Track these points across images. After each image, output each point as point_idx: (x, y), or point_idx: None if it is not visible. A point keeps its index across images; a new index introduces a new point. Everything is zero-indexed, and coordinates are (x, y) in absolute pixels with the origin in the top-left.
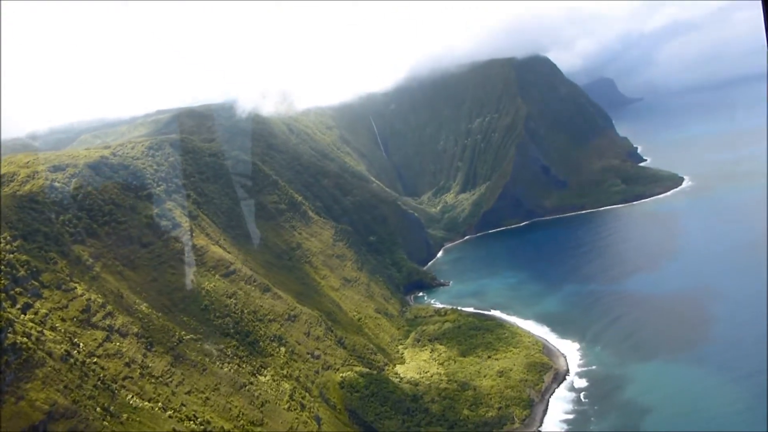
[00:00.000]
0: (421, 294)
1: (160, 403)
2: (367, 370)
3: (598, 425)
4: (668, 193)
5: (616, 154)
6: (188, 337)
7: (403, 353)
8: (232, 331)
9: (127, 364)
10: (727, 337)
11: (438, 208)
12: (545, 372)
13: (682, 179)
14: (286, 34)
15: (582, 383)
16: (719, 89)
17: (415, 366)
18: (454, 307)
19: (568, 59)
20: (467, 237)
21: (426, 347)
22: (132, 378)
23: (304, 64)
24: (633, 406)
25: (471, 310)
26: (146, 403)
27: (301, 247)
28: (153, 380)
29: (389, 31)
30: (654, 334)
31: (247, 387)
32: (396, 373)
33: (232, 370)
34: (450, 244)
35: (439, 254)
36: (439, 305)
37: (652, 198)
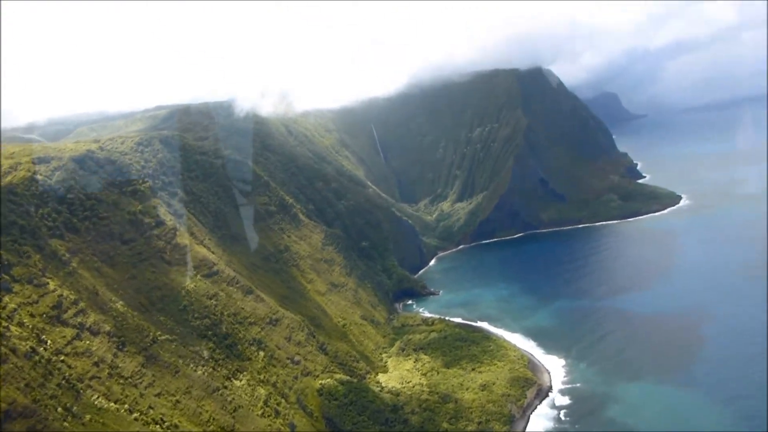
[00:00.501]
0: (410, 302)
1: (126, 405)
2: (348, 377)
3: None
4: (665, 211)
5: (615, 170)
6: (163, 337)
7: (386, 362)
8: (209, 333)
9: (96, 364)
10: (716, 360)
11: (434, 216)
12: (528, 387)
13: (680, 197)
14: (288, 34)
15: (564, 401)
16: (723, 109)
17: (398, 375)
18: (442, 317)
19: (573, 72)
20: (461, 246)
21: (410, 357)
22: (99, 378)
23: (305, 66)
24: (615, 425)
25: (459, 320)
26: (112, 404)
27: (289, 250)
28: (122, 381)
29: (393, 36)
30: (642, 354)
31: (220, 391)
32: (378, 382)
33: (206, 374)
34: (443, 253)
35: (432, 262)
36: (427, 314)
37: (649, 215)
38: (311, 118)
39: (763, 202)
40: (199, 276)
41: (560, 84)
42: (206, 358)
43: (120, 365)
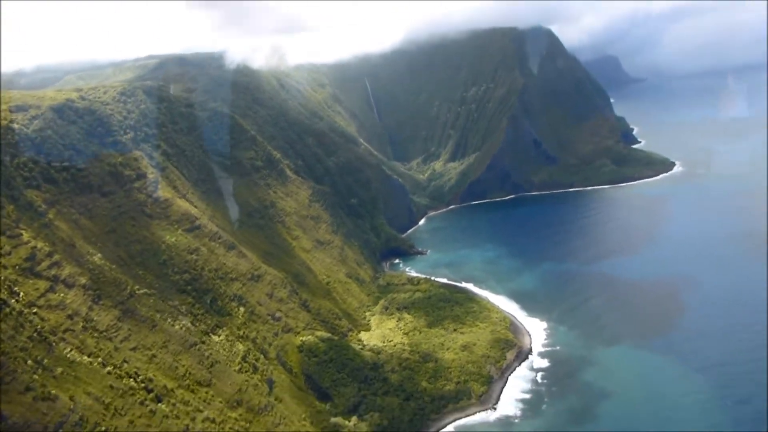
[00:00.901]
0: (397, 261)
1: (100, 358)
2: (329, 335)
3: (553, 406)
4: (658, 177)
5: (610, 134)
6: (141, 291)
7: (369, 320)
8: (189, 288)
9: (70, 317)
10: (695, 328)
11: (426, 175)
12: (509, 349)
13: (673, 164)
14: None
15: (543, 363)
16: (723, 76)
17: (380, 334)
18: (428, 277)
19: (573, 34)
20: (452, 206)
21: (393, 315)
22: (73, 331)
23: (300, 18)
24: (591, 389)
25: (445, 281)
26: (85, 357)
27: (275, 206)
28: (96, 334)
29: None
30: (623, 319)
31: (197, 346)
32: (359, 340)
33: (183, 328)
34: (433, 213)
35: (422, 222)
36: (413, 274)
37: (641, 181)
38: (304, 72)
39: (756, 172)
40: (180, 230)
41: (559, 45)
42: (185, 312)
43: (95, 318)
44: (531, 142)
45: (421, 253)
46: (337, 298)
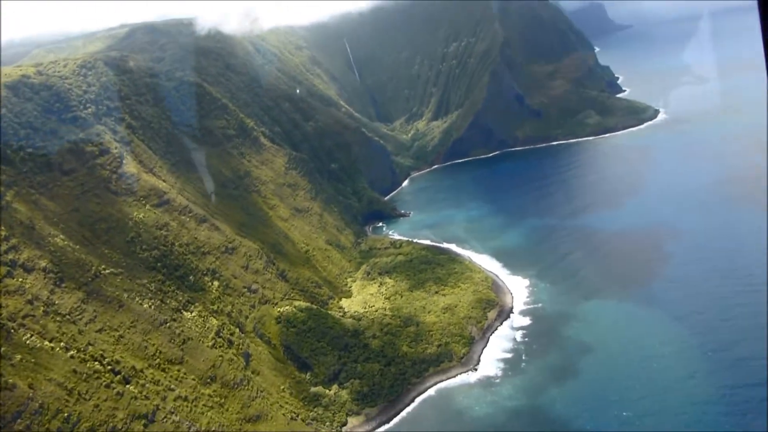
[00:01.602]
0: (380, 224)
1: (63, 343)
2: (308, 304)
3: (533, 364)
4: (642, 126)
5: (593, 84)
6: (108, 271)
7: (351, 286)
8: (159, 264)
9: (30, 302)
10: (676, 277)
11: (409, 135)
12: (490, 309)
13: (657, 112)
14: None
15: (525, 321)
16: (711, 19)
17: (361, 300)
18: (410, 240)
19: None
20: (435, 166)
21: (375, 281)
22: (34, 316)
23: None
24: (572, 344)
25: (428, 242)
26: (47, 342)
27: (250, 176)
28: (58, 318)
29: None
30: (605, 272)
31: (168, 324)
32: (340, 307)
33: (153, 307)
34: (417, 173)
35: (405, 183)
36: (396, 237)
37: (626, 130)
38: (281, 36)
39: (741, 116)
40: (148, 206)
41: None
42: (154, 290)
43: (57, 302)
44: (513, 96)
45: (404, 215)
46: (316, 266)
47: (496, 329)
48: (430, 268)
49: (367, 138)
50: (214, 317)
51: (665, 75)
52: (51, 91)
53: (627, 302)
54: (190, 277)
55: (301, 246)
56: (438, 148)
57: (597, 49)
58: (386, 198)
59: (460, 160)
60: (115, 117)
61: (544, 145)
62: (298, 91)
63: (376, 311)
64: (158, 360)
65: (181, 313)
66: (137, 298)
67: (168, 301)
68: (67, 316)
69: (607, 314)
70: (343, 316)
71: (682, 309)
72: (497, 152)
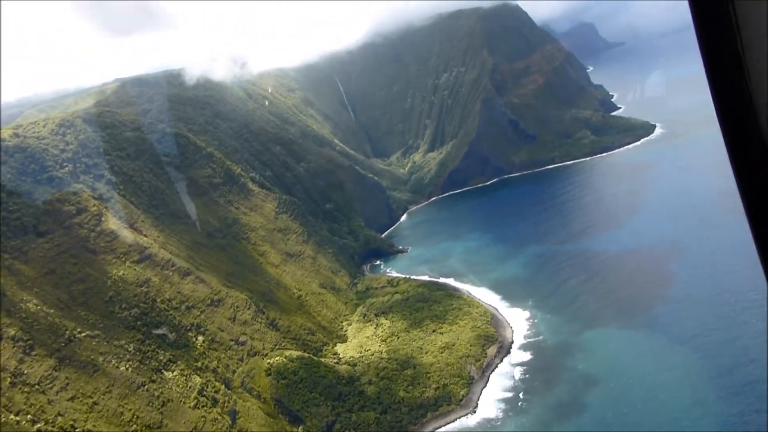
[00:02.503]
0: (378, 262)
1: (29, 415)
2: (300, 353)
3: (535, 403)
4: (638, 143)
5: (587, 104)
6: (83, 334)
7: (346, 330)
8: (138, 323)
9: None
10: (681, 297)
11: (406, 168)
12: (489, 345)
13: (654, 127)
14: None
15: (525, 356)
16: None
17: (357, 344)
18: (408, 277)
19: (547, 5)
20: (433, 198)
21: (371, 322)
22: None
23: (261, 24)
24: (575, 378)
25: (426, 278)
26: (12, 416)
27: (238, 223)
28: (26, 389)
29: None
30: (606, 297)
31: (146, 386)
32: (335, 353)
33: (130, 369)
34: (414, 207)
35: (403, 218)
36: (394, 274)
37: (623, 148)
38: (272, 79)
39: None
40: (128, 262)
41: (527, 19)
42: (132, 351)
43: (26, 372)
44: (507, 122)
45: (402, 251)
46: (310, 312)
47: (496, 366)
48: (427, 305)
49: (361, 175)
50: (198, 375)
51: (659, 89)
52: (25, 153)
53: (629, 328)
54: (172, 334)
55: (294, 292)
56: (435, 180)
57: (590, 68)
58: (384, 234)
59: (457, 191)
60: (94, 174)
61: (541, 169)
62: (291, 132)
63: (372, 355)
64: (135, 426)
65: (162, 373)
66: (114, 361)
67: (147, 362)
68: (36, 386)
69: (610, 342)
70: (337, 363)
71: (685, 332)
72: (495, 180)
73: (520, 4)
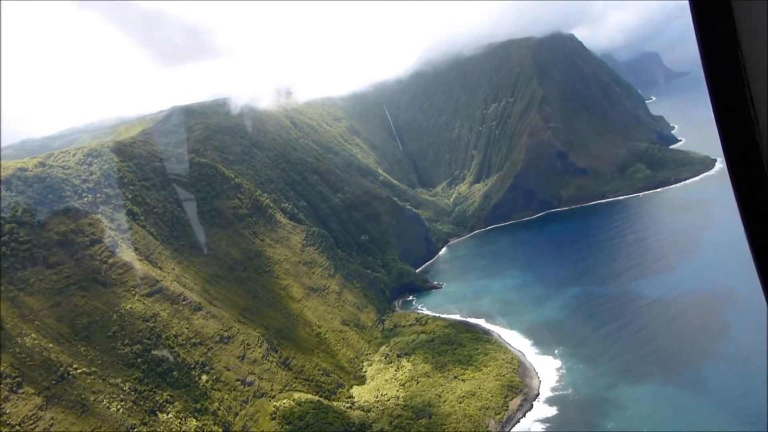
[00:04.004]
0: (411, 298)
1: None
2: (309, 396)
3: None
4: (697, 178)
5: (644, 136)
6: (79, 371)
7: (366, 371)
8: (139, 360)
9: None
10: (729, 351)
11: (451, 199)
12: (513, 396)
13: (714, 161)
14: (290, 20)
15: (551, 410)
16: None
17: (374, 387)
18: (437, 315)
19: (605, 35)
20: (475, 231)
21: (393, 364)
22: None
23: (309, 53)
24: None
25: (457, 317)
26: None
27: (261, 256)
28: (6, 429)
29: (400, 14)
30: (649, 348)
31: (136, 429)
32: (349, 397)
33: (122, 409)
34: (455, 240)
35: (442, 251)
36: (425, 311)
37: (680, 183)
38: (318, 108)
39: None
40: (137, 296)
41: (582, 49)
42: (127, 390)
43: (9, 411)
44: (556, 155)
45: (436, 287)
46: (329, 350)
47: (518, 421)
48: (451, 348)
49: (399, 207)
50: (195, 417)
51: None
52: (44, 183)
53: (669, 385)
54: (174, 373)
55: (313, 329)
56: (478, 212)
57: (652, 99)
58: (421, 268)
59: (501, 224)
60: (114, 204)
61: (590, 203)
62: (334, 161)
63: (389, 400)
64: None
65: (156, 414)
66: (105, 401)
67: (142, 402)
68: (17, 427)
69: (645, 400)
70: (350, 407)
71: (731, 393)
72: (540, 214)
73: (577, 33)
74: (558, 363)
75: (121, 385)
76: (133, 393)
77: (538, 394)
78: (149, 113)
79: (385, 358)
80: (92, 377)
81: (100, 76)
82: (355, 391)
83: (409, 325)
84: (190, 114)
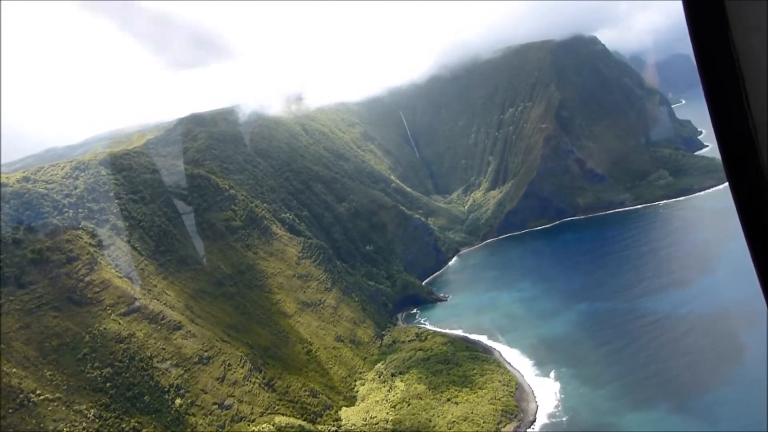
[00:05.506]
0: (414, 311)
1: None
2: (290, 419)
3: None
4: (721, 186)
5: (668, 142)
6: (41, 397)
7: (358, 391)
8: (108, 385)
9: None
10: (749, 378)
11: (466, 206)
12: (507, 422)
13: None
14: (302, 24)
15: None
16: None
17: (364, 408)
18: (438, 331)
19: (634, 36)
20: (487, 240)
21: (386, 383)
22: None
23: (323, 57)
24: None
25: (459, 333)
26: None
27: (253, 269)
28: None
29: (416, 16)
30: (659, 370)
31: None
32: (336, 420)
33: None
34: (466, 249)
35: (452, 261)
36: (428, 326)
37: (703, 192)
38: (331, 114)
39: None
40: (113, 315)
41: (603, 51)
42: (91, 417)
43: None
44: (573, 161)
45: (441, 299)
46: (319, 369)
47: None
48: (447, 368)
49: (406, 216)
50: None
51: None
52: (22, 199)
53: (679, 412)
54: (145, 397)
55: (304, 346)
56: (491, 221)
57: (682, 102)
58: (429, 279)
59: (514, 233)
60: (98, 219)
61: (609, 212)
62: (344, 168)
63: (377, 424)
64: None
65: None
66: (65, 429)
67: (105, 430)
68: None
69: (651, 428)
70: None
71: (747, 423)
72: (556, 222)
73: (603, 36)
74: (558, 385)
75: (85, 411)
76: (97, 420)
77: (534, 420)
78: (166, 121)
79: (379, 377)
80: (55, 404)
81: (125, 82)
82: (344, 413)
83: (409, 341)
84: (199, 122)
